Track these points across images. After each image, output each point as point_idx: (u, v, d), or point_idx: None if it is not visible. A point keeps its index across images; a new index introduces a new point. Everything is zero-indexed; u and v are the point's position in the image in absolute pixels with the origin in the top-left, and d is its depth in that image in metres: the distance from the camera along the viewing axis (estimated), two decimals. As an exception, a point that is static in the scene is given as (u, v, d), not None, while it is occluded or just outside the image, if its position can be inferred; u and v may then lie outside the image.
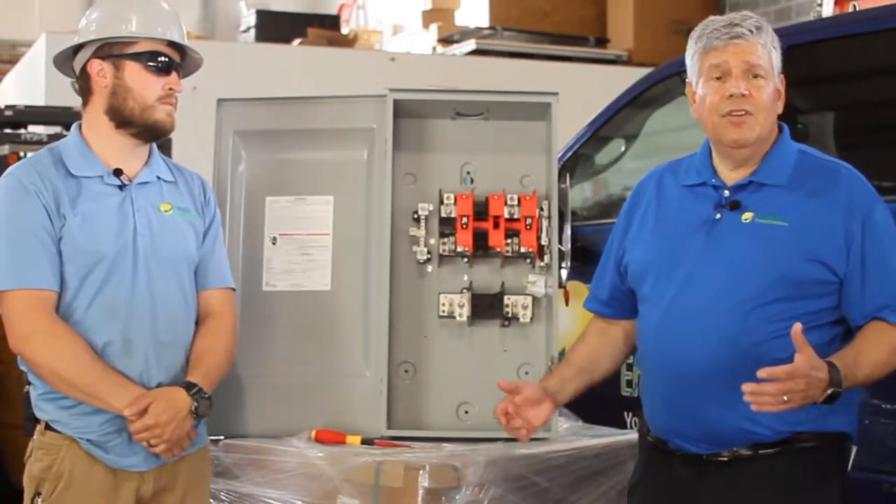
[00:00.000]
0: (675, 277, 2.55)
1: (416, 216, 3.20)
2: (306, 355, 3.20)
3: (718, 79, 2.52)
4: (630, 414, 3.90)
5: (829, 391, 2.34)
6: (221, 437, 3.09)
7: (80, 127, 2.80)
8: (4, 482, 5.38)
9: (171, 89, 2.75)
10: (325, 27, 10.71)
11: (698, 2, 9.24)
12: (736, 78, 2.50)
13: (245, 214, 3.26)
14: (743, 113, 2.49)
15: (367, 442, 3.01)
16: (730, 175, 2.56)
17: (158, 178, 2.81)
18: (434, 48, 10.23)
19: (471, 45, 9.70)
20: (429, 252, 3.19)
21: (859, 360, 2.41)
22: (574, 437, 3.13)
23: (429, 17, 10.35)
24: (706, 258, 2.52)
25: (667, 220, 2.63)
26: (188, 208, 2.83)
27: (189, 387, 2.68)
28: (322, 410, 3.13)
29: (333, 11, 11.87)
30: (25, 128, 6.51)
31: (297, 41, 9.87)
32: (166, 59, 2.75)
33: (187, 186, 2.86)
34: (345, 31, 11.04)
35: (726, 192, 2.55)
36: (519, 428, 2.64)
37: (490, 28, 9.91)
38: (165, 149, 7.10)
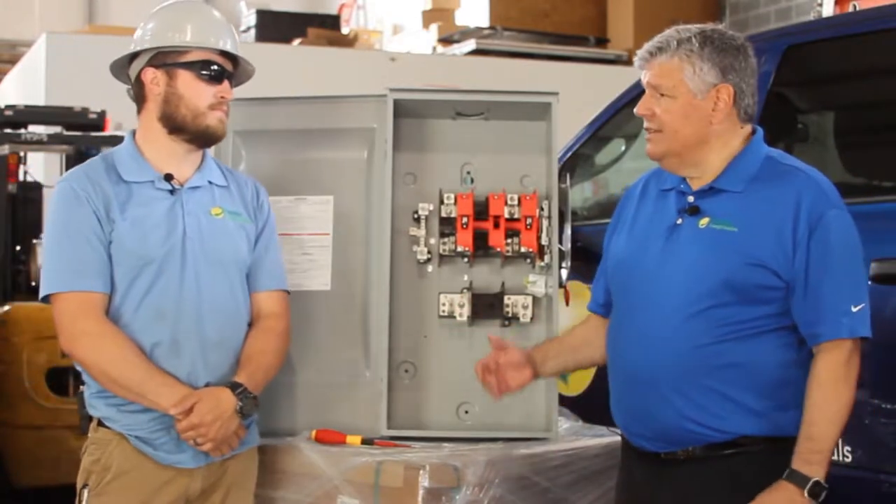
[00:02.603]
0: (634, 280, 2.61)
1: (416, 216, 3.20)
2: (306, 355, 3.19)
3: None
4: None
5: (808, 489, 2.39)
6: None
7: (133, 134, 2.89)
8: (4, 482, 5.39)
9: (222, 97, 2.82)
10: (325, 27, 10.73)
11: (698, 2, 9.26)
12: (644, 98, 2.60)
13: (245, 214, 3.26)
14: (650, 130, 2.59)
15: (367, 442, 3.01)
16: (696, 181, 2.60)
17: (210, 182, 2.87)
18: (434, 48, 10.24)
19: (471, 45, 9.71)
20: (429, 252, 3.19)
21: (813, 430, 2.42)
22: (574, 437, 3.13)
23: (429, 17, 10.36)
24: (662, 262, 2.57)
25: (641, 224, 2.68)
26: (240, 212, 2.89)
27: (234, 387, 2.73)
28: (322, 410, 3.13)
29: (333, 11, 11.88)
30: (25, 128, 6.51)
31: (297, 41, 9.88)
32: (218, 68, 2.81)
33: (240, 191, 2.93)
34: (345, 31, 11.05)
35: (690, 198, 2.59)
36: (493, 385, 2.78)
37: (490, 28, 9.92)
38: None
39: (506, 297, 3.16)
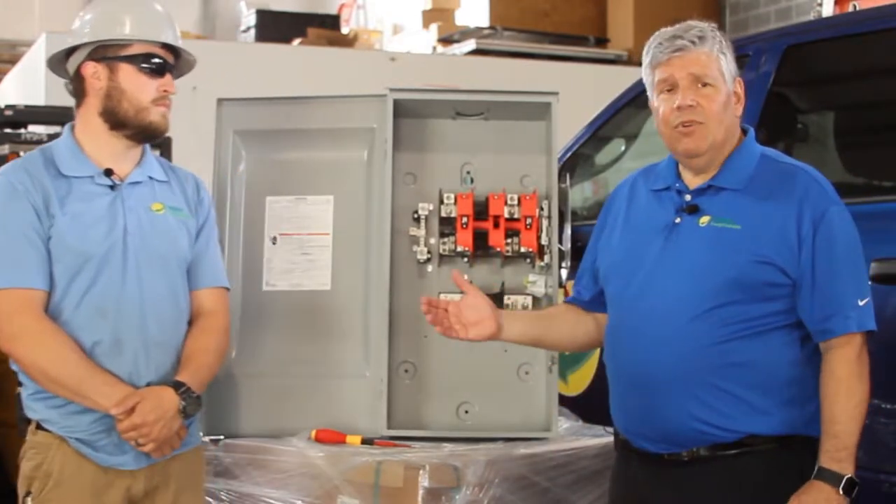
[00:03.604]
0: (634, 281, 2.59)
1: (416, 216, 3.20)
2: (306, 355, 3.19)
3: (669, 91, 2.55)
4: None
5: (842, 487, 2.40)
6: (221, 437, 3.09)
7: (72, 128, 2.81)
8: (4, 482, 5.38)
9: (165, 91, 2.76)
10: (325, 27, 10.71)
11: (698, 2, 9.24)
12: (683, 90, 2.53)
13: (245, 214, 3.27)
14: (692, 123, 2.52)
15: (367, 442, 3.01)
16: (693, 180, 2.59)
17: (151, 177, 2.81)
18: (434, 48, 10.23)
19: (471, 44, 9.70)
20: (429, 252, 3.19)
21: (837, 428, 2.43)
22: (574, 437, 3.13)
23: (429, 17, 10.35)
24: (663, 262, 2.55)
25: (634, 224, 2.66)
26: (180, 208, 2.83)
27: (177, 386, 2.68)
28: (322, 410, 3.13)
29: (333, 11, 11.87)
30: (25, 128, 6.50)
31: (297, 41, 9.87)
32: (160, 61, 2.76)
33: (181, 186, 2.86)
34: (345, 31, 11.04)
35: (687, 197, 2.58)
36: (442, 320, 2.64)
37: (490, 28, 9.91)
38: (165, 149, 7.12)
39: (506, 297, 3.16)
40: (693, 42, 2.53)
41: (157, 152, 7.03)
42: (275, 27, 10.54)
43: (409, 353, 3.19)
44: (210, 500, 2.99)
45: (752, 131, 2.63)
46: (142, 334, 2.69)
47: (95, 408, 2.64)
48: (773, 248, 2.46)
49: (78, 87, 2.79)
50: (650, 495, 2.58)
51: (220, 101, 3.31)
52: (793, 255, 2.46)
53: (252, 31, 10.71)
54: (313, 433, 3.03)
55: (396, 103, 3.18)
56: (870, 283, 2.63)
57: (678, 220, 2.57)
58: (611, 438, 2.96)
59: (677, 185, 2.61)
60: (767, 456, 2.48)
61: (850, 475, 2.41)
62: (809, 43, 3.88)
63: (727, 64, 2.55)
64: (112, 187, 2.74)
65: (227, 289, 2.90)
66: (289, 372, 3.17)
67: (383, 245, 3.15)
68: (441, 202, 3.19)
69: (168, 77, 2.77)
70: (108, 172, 2.74)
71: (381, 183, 3.19)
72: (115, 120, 2.74)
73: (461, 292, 3.15)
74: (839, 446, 2.42)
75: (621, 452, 2.69)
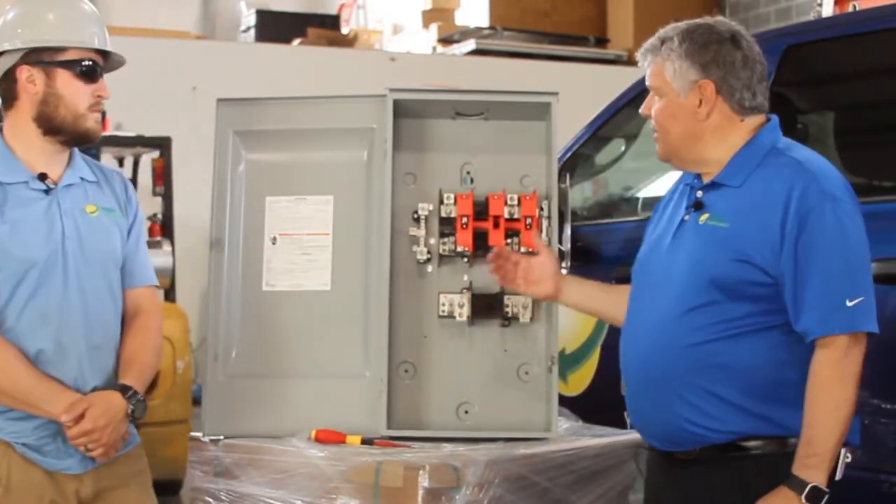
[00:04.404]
0: (643, 277, 2.61)
1: (416, 216, 3.19)
2: (306, 355, 3.19)
3: None
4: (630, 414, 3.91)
5: (805, 495, 2.33)
6: (221, 437, 3.09)
7: (1, 131, 2.76)
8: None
9: (99, 96, 2.74)
10: (325, 27, 10.72)
11: (698, 2, 9.25)
12: (645, 101, 2.61)
13: (245, 214, 3.26)
14: (658, 132, 2.59)
15: (367, 442, 3.01)
16: (706, 176, 2.59)
17: (82, 179, 2.80)
18: (434, 48, 10.24)
19: (471, 45, 9.71)
20: (429, 252, 3.19)
21: (811, 433, 2.36)
22: (574, 437, 3.13)
23: (429, 17, 10.36)
24: (668, 259, 2.56)
25: (662, 219, 2.67)
26: (113, 208, 2.82)
27: (124, 390, 2.68)
28: (322, 410, 3.13)
29: (333, 11, 11.87)
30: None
31: (297, 41, 9.88)
32: (95, 66, 2.73)
33: (109, 185, 2.85)
34: (345, 31, 11.05)
35: (699, 193, 2.57)
36: (506, 272, 2.87)
37: (490, 28, 9.92)
38: (165, 149, 7.11)
39: (505, 297, 3.16)
40: (643, 55, 2.59)
41: (157, 152, 7.07)
42: (275, 27, 10.55)
43: (409, 353, 3.19)
44: (210, 500, 2.99)
45: (772, 122, 2.58)
46: (85, 339, 2.69)
47: (44, 415, 2.63)
48: (754, 247, 2.41)
49: (8, 90, 2.72)
50: (661, 492, 2.59)
51: (220, 101, 3.31)
52: (774, 253, 2.40)
53: (252, 31, 10.71)
54: (313, 433, 3.03)
55: (396, 103, 3.18)
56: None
57: (686, 218, 2.56)
58: (611, 439, 2.97)
59: (694, 181, 2.60)
60: (770, 459, 2.44)
61: (815, 483, 2.34)
62: (809, 43, 3.88)
63: (677, 71, 2.53)
64: (46, 191, 2.71)
65: (158, 286, 2.92)
66: (289, 372, 3.17)
67: (383, 245, 3.15)
68: (441, 202, 3.19)
69: (101, 82, 2.75)
70: (43, 177, 2.71)
71: (381, 183, 3.18)
72: (51, 126, 2.71)
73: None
74: (810, 452, 2.35)
75: (647, 448, 2.69)
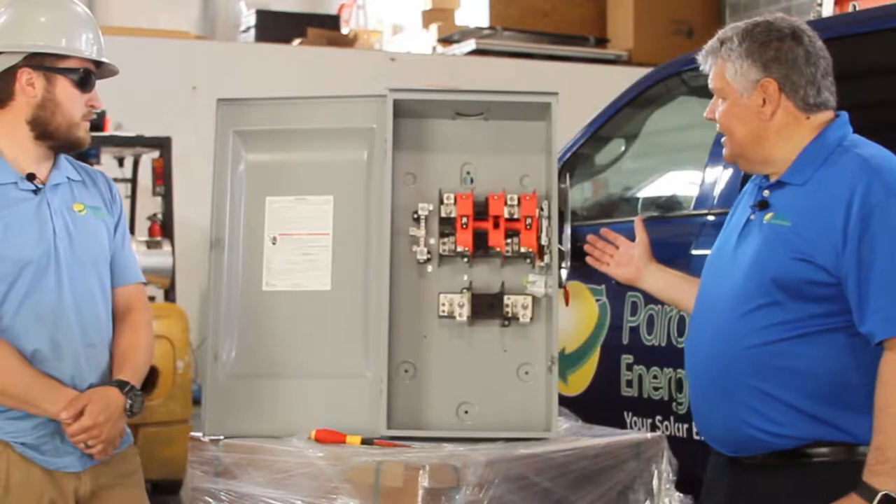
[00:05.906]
0: (709, 278, 2.57)
1: (416, 216, 3.19)
2: (306, 355, 3.19)
3: None
4: (630, 414, 3.91)
5: (876, 502, 2.25)
6: (221, 437, 3.09)
7: None
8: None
9: (92, 106, 2.75)
10: (325, 27, 10.73)
11: (698, 2, 9.25)
12: (711, 103, 2.58)
13: (245, 214, 3.26)
14: (724, 135, 2.57)
15: (367, 442, 3.01)
16: (773, 175, 2.55)
17: (68, 178, 2.81)
18: (434, 48, 10.24)
19: (471, 45, 9.72)
20: (429, 252, 3.19)
21: (880, 438, 2.27)
22: (574, 437, 3.13)
23: (429, 17, 10.36)
24: (732, 259, 2.51)
25: (731, 220, 2.64)
26: (99, 206, 2.84)
27: (121, 385, 2.70)
28: (322, 410, 3.13)
29: (333, 11, 11.88)
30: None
31: (297, 41, 9.88)
32: (90, 74, 2.74)
33: (94, 184, 2.87)
34: (345, 31, 11.05)
35: (765, 192, 2.52)
36: (598, 254, 3.02)
37: (490, 28, 9.93)
38: (165, 149, 7.11)
39: (505, 298, 3.16)
40: (705, 57, 2.55)
41: (157, 152, 7.07)
42: (275, 27, 10.55)
43: (409, 353, 3.19)
44: (210, 500, 2.99)
45: (841, 118, 2.52)
46: (81, 337, 2.71)
47: (43, 414, 2.64)
48: (815, 246, 2.36)
49: (3, 89, 2.72)
50: (723, 498, 2.54)
51: (220, 101, 3.31)
52: (837, 253, 2.33)
53: (252, 31, 10.72)
54: (313, 433, 3.03)
55: (396, 103, 3.18)
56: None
57: (752, 217, 2.52)
58: (612, 439, 2.97)
59: (762, 180, 2.56)
60: (843, 467, 2.36)
61: (887, 491, 2.25)
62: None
63: (738, 71, 2.49)
64: (35, 191, 2.72)
65: (146, 283, 2.95)
66: (289, 372, 3.17)
67: (383, 245, 3.15)
68: (441, 202, 3.19)
69: (94, 91, 2.75)
70: (31, 177, 2.72)
71: (381, 183, 3.18)
72: (44, 131, 2.71)
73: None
74: (880, 459, 2.27)
75: (709, 454, 2.63)
